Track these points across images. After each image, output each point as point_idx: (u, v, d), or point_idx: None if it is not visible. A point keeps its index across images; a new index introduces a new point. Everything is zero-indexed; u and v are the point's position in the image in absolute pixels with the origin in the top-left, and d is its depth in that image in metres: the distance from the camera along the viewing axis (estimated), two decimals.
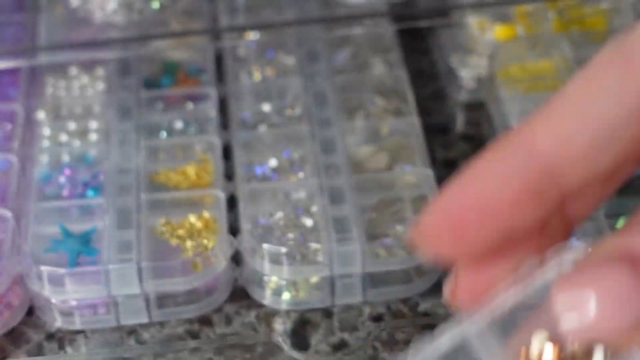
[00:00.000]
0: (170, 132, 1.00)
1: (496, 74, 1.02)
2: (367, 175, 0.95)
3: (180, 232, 0.92)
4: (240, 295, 0.93)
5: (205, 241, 0.91)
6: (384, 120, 1.00)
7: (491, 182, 0.39)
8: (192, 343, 0.90)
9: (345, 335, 0.90)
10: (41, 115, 1.01)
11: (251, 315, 0.92)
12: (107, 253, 0.88)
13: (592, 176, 0.39)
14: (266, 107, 1.02)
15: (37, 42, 1.04)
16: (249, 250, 0.89)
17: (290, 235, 0.91)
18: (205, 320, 0.91)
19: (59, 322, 0.91)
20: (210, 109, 1.02)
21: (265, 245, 0.88)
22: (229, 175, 0.97)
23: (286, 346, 0.89)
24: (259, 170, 0.96)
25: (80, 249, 0.89)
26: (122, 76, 1.05)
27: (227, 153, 0.99)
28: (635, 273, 0.32)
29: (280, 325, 0.91)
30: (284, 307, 0.92)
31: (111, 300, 0.89)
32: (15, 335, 0.90)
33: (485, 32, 1.07)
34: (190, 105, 1.03)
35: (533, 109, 0.46)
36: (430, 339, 0.43)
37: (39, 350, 0.90)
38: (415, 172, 0.96)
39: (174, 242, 0.91)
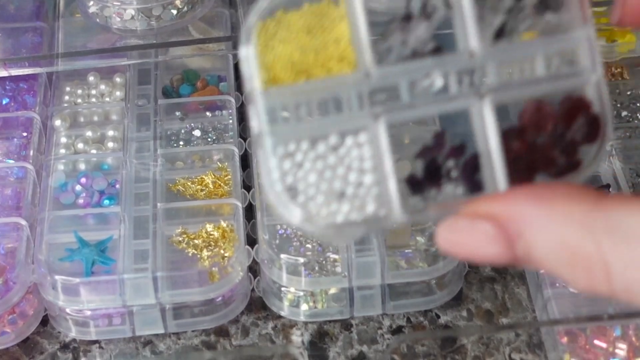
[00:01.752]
0: (189, 140, 0.99)
1: None
2: None
3: (197, 241, 0.90)
4: (258, 306, 0.92)
5: (222, 251, 0.89)
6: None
7: None
8: (209, 354, 0.88)
9: (364, 348, 0.89)
10: (58, 122, 1.00)
11: (268, 327, 0.90)
12: (122, 262, 0.87)
13: None
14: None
15: (55, 49, 1.03)
16: (267, 261, 0.88)
17: (309, 246, 0.89)
18: (221, 332, 0.90)
19: (73, 332, 0.90)
20: (229, 118, 1.01)
21: (284, 256, 0.87)
22: (247, 185, 0.96)
23: (304, 359, 0.87)
24: None
25: (96, 258, 0.88)
26: (140, 84, 1.04)
27: (245, 162, 0.98)
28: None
29: (298, 337, 0.90)
30: (302, 318, 0.90)
31: (126, 310, 0.88)
32: (29, 345, 0.89)
33: None
34: (209, 114, 1.02)
35: None
36: None
37: None
38: None
39: (190, 251, 0.90)
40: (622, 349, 0.84)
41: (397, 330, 0.90)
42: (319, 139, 0.45)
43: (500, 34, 0.45)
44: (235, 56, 1.08)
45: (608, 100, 0.45)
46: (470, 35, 0.45)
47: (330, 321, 0.90)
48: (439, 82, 0.45)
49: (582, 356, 0.84)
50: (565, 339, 0.84)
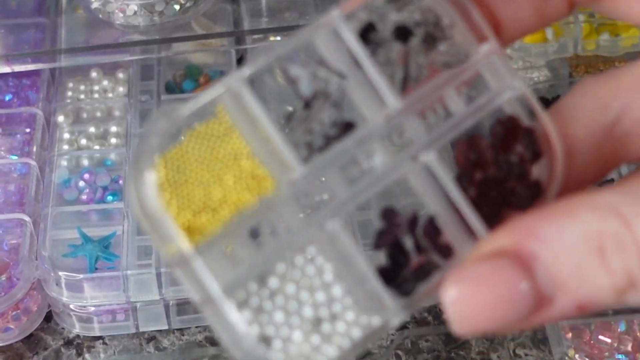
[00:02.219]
0: None
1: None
2: None
3: None
4: None
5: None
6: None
7: None
8: (212, 350, 0.88)
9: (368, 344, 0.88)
10: (61, 118, 1.00)
11: None
12: (126, 258, 0.87)
13: None
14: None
15: (57, 45, 1.03)
16: None
17: None
18: None
19: (77, 328, 0.89)
20: None
21: None
22: None
23: None
24: None
25: (99, 254, 0.88)
26: (143, 80, 1.04)
27: None
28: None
29: None
30: None
31: (130, 306, 0.88)
32: (33, 341, 0.89)
33: None
34: None
35: None
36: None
37: (57, 357, 0.88)
38: None
39: None
40: (626, 344, 0.84)
41: (401, 326, 0.89)
42: (267, 273, 0.38)
43: (405, 84, 0.40)
44: (238, 52, 1.07)
45: (540, 109, 0.40)
46: (387, 96, 0.39)
47: None
48: (377, 160, 0.39)
49: (587, 351, 0.84)
50: (569, 335, 0.84)
